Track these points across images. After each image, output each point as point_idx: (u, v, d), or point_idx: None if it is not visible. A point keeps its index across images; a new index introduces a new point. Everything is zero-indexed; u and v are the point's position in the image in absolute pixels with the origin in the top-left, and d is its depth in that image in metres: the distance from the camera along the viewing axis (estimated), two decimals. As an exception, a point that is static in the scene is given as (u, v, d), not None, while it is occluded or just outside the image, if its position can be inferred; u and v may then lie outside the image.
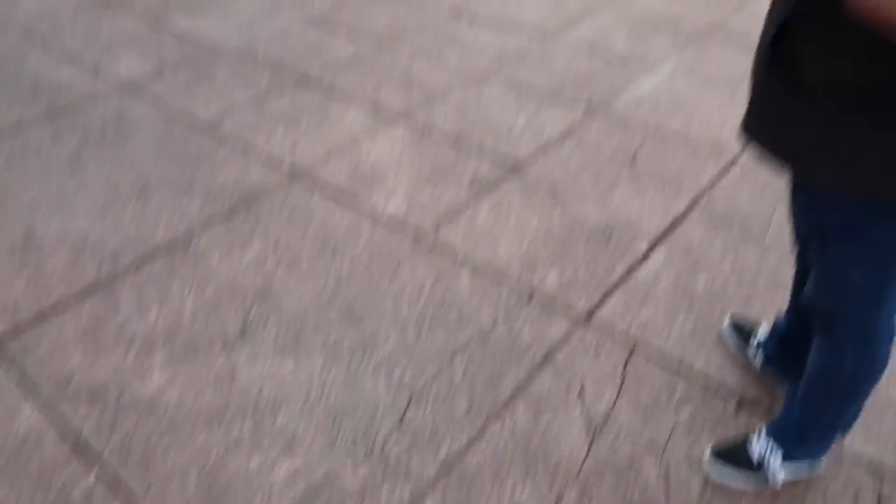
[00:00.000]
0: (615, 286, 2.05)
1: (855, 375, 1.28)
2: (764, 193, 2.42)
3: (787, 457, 1.45)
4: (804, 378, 1.38)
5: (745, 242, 2.22)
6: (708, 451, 1.53)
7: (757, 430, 1.52)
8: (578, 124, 2.86)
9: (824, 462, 1.50)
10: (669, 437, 1.61)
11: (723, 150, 2.65)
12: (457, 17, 3.87)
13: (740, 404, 1.69)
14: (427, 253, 2.20)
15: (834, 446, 1.53)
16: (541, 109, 2.97)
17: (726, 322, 1.86)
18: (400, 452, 1.59)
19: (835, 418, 1.38)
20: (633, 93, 3.07)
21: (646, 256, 2.17)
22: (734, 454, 1.50)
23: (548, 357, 1.82)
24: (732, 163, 2.60)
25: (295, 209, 2.42)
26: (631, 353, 1.83)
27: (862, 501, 1.47)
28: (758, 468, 1.47)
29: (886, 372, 1.47)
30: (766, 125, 1.12)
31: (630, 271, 2.11)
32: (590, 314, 1.96)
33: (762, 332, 1.76)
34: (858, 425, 1.59)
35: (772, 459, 1.45)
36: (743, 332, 1.81)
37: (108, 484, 1.53)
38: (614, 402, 1.70)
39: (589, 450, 1.59)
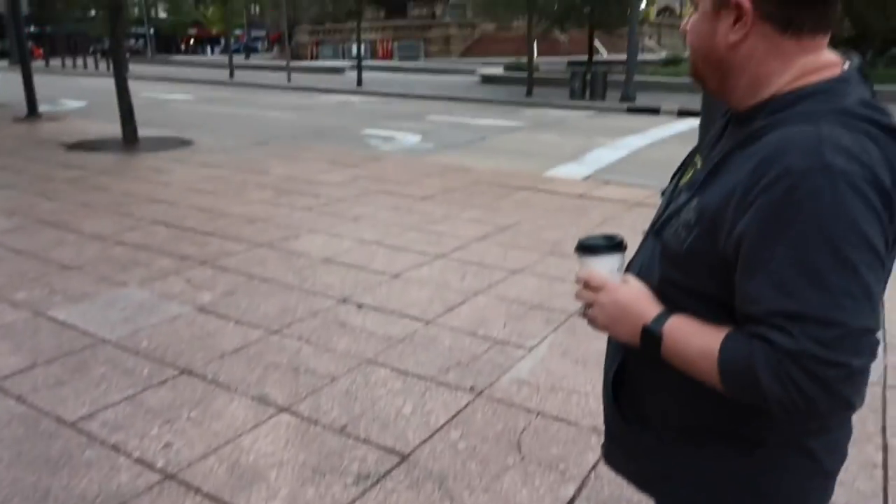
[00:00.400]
0: (510, 589, 1.94)
1: None
2: (645, 473, 2.48)
3: None
4: None
5: (634, 527, 2.22)
6: None
7: None
8: (464, 409, 2.92)
9: None
10: None
11: (601, 430, 2.75)
12: (345, 303, 4.06)
13: None
14: (309, 563, 2.03)
15: None
16: (427, 395, 3.03)
17: None
18: None
19: None
20: (514, 375, 3.22)
21: (539, 551, 2.10)
22: None
23: None
24: (612, 442, 2.69)
25: (163, 519, 2.21)
26: None
27: None
28: None
29: None
30: (622, 453, 1.22)
31: (524, 569, 2.02)
32: None
33: None
34: None
35: None
36: None
37: None
38: None
39: None
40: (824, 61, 0.98)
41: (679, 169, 1.22)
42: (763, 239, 0.89)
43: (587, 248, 1.12)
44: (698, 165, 1.11)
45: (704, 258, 0.98)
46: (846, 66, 0.99)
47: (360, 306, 4.03)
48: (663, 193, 1.21)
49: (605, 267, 1.10)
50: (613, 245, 1.11)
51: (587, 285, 1.10)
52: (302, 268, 4.70)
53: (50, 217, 5.99)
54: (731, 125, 1.08)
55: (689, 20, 1.05)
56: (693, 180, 1.07)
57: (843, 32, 19.88)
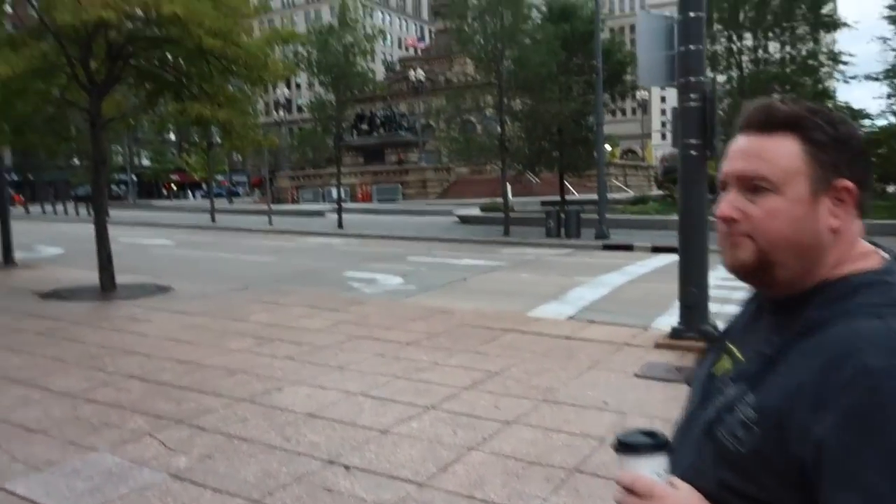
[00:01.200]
0: None
1: None
2: None
3: None
4: None
5: None
6: None
7: None
8: (468, 590, 2.63)
9: None
10: None
11: None
12: (332, 465, 3.80)
13: None
14: None
15: None
16: (426, 574, 2.75)
17: None
18: None
19: None
20: (519, 545, 2.96)
21: None
22: None
23: None
24: None
25: None
26: None
27: None
28: None
29: None
30: None
31: None
32: None
33: None
34: None
35: None
36: None
37: None
38: None
39: None
40: (866, 247, 0.98)
41: (706, 354, 1.14)
42: (850, 448, 0.82)
43: (629, 446, 1.00)
44: (736, 353, 1.05)
45: (772, 463, 0.90)
46: (883, 253, 0.99)
47: (347, 468, 3.76)
48: (689, 384, 1.13)
49: (650, 469, 0.99)
50: (659, 444, 1.00)
51: (632, 491, 0.98)
52: (285, 424, 4.45)
53: (16, 373, 5.70)
54: (771, 312, 1.02)
55: (755, 207, 0.97)
56: (741, 371, 1.00)
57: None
